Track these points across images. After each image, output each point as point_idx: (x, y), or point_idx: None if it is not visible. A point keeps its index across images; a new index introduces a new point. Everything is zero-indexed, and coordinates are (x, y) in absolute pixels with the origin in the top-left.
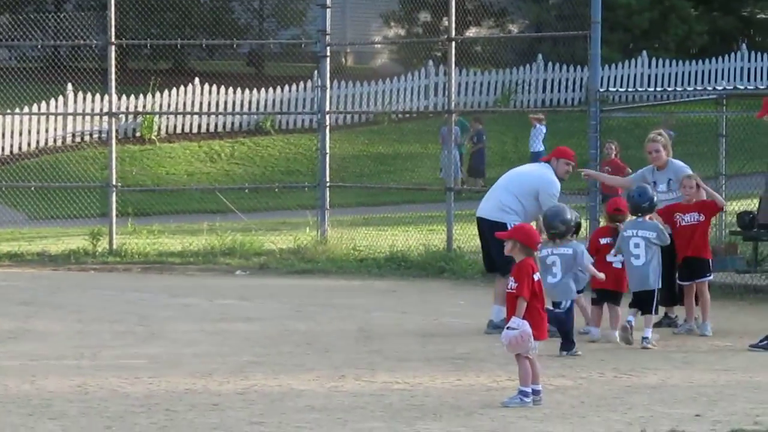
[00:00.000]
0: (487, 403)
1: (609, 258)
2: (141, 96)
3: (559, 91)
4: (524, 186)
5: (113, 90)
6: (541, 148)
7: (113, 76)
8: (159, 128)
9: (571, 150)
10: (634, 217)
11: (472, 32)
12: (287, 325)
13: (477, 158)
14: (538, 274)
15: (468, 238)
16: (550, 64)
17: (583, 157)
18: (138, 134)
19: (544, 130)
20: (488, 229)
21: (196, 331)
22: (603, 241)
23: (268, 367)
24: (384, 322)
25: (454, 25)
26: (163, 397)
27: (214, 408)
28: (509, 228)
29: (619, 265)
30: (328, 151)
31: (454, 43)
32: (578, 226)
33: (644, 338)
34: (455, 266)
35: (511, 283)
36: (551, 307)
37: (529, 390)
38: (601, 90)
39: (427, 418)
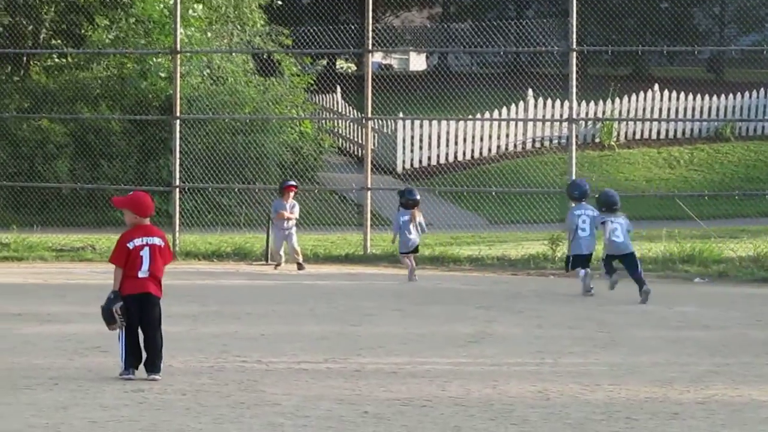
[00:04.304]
0: None
1: None
2: (600, 102)
3: None
4: None
5: (574, 96)
6: None
7: (574, 83)
8: (618, 134)
9: None
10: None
11: None
12: (747, 334)
13: None
14: None
15: None
16: None
17: None
18: (597, 140)
19: None
20: None
21: (654, 338)
22: None
23: (728, 376)
24: None
25: None
26: (624, 405)
27: (675, 417)
28: None
29: None
30: None
31: None
32: None
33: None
34: None
35: None
36: None
37: None
38: None
39: None
